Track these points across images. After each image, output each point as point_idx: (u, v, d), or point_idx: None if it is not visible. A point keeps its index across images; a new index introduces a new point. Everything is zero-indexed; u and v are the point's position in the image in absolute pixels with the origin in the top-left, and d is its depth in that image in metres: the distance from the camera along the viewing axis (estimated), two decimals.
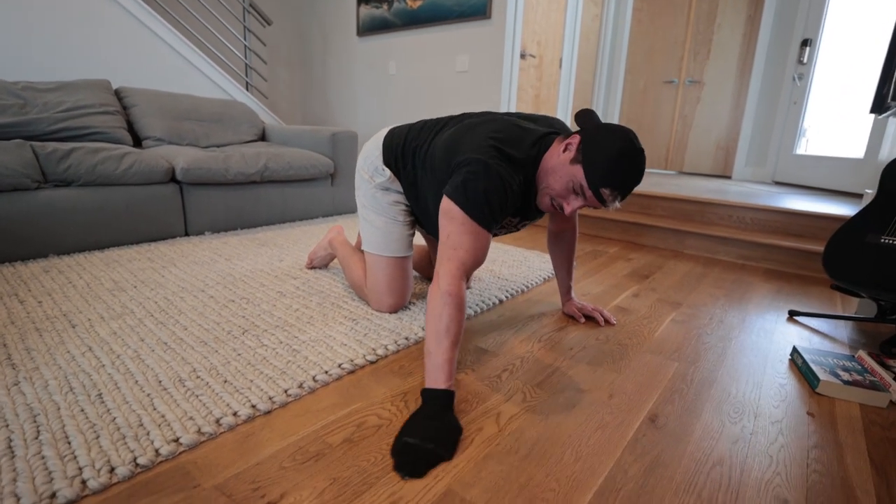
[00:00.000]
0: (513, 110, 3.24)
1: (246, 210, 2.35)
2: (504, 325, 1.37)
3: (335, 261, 1.83)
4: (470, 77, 3.27)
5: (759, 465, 0.83)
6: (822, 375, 1.09)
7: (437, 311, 0.93)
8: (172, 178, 2.10)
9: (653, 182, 3.18)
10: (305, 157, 2.53)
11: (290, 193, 2.52)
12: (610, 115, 4.45)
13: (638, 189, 2.70)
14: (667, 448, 0.86)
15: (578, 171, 0.99)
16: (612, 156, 0.96)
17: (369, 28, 3.73)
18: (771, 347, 1.32)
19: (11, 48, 2.39)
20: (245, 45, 3.53)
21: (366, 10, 3.72)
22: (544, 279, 1.79)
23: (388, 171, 1.30)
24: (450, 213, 1.00)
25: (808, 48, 3.29)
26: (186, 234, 2.17)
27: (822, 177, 3.16)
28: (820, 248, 2.04)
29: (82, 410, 0.86)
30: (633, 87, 4.33)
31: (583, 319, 1.41)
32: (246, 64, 3.53)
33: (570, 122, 3.88)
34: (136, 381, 0.96)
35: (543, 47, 3.60)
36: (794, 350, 1.24)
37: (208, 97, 2.94)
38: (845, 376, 1.10)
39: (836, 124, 3.15)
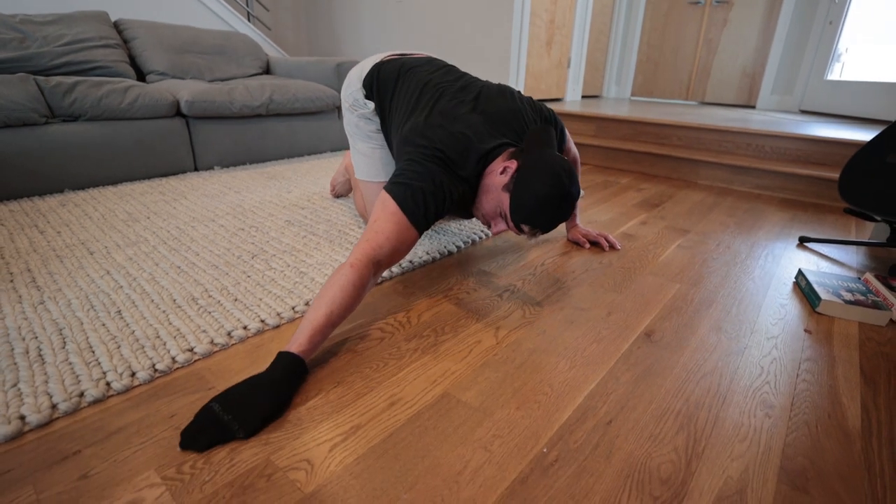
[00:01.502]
0: (525, 37, 3.09)
1: (254, 144, 2.34)
2: (508, 251, 1.38)
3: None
4: (480, 2, 3.10)
5: (749, 375, 0.85)
6: (824, 295, 1.10)
7: (331, 279, 0.84)
8: (178, 113, 2.09)
9: (669, 112, 3.06)
10: (311, 88, 2.47)
11: (297, 127, 2.49)
12: (630, 41, 4.21)
13: (652, 118, 2.60)
14: (660, 359, 0.89)
15: (506, 201, 0.98)
16: (538, 198, 0.94)
17: None
18: (777, 271, 1.31)
19: None
20: None
21: None
22: None
23: (371, 104, 1.26)
24: (384, 202, 0.95)
25: None
26: (196, 169, 2.18)
27: (854, 104, 2.99)
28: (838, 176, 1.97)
29: (104, 325, 0.91)
30: (656, 10, 4.05)
31: (587, 245, 1.41)
32: None
33: (585, 50, 3.68)
34: (153, 300, 1.01)
35: None
36: (800, 272, 1.23)
37: (208, 28, 2.85)
38: (848, 296, 1.10)
39: (874, 47, 2.94)
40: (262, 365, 0.83)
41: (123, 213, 1.57)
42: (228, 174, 2.13)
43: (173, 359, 0.82)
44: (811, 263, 1.38)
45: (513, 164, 0.99)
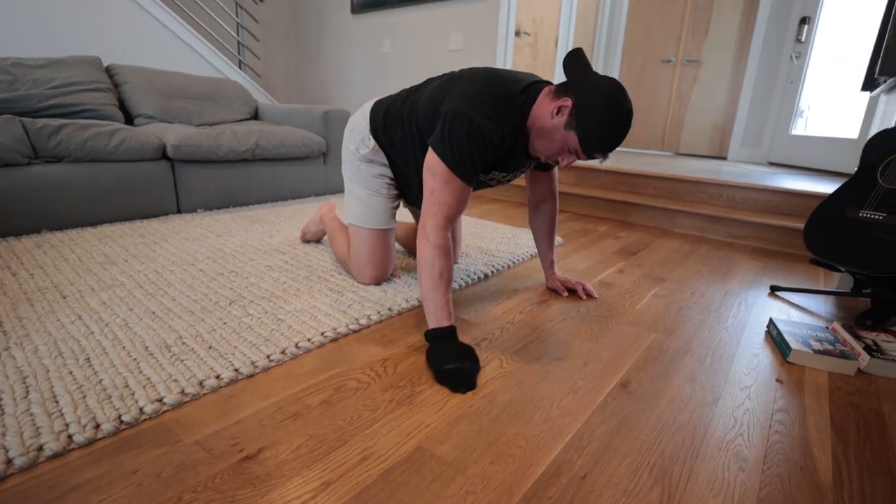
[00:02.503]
0: None
1: (238, 188, 2.36)
2: (487, 298, 1.39)
3: (326, 236, 1.86)
4: (464, 55, 3.25)
5: (723, 426, 0.86)
6: (794, 345, 1.12)
7: (430, 261, 1.04)
8: (164, 156, 2.11)
9: (646, 162, 3.18)
10: (297, 135, 2.53)
11: (282, 172, 2.52)
12: None
13: (629, 168, 2.70)
14: (635, 411, 0.89)
15: (573, 138, 1.05)
16: (605, 127, 1.01)
17: (364, 5, 3.69)
18: (750, 320, 1.34)
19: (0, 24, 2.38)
20: (237, 22, 3.49)
21: None
22: (531, 255, 1.81)
23: (372, 141, 1.32)
24: (433, 168, 1.08)
25: (806, 26, 3.25)
26: (179, 212, 2.18)
27: (816, 157, 3.15)
28: None
29: (70, 373, 0.89)
30: (631, 67, 4.29)
31: (565, 293, 1.44)
32: (238, 41, 3.50)
33: None
34: (124, 347, 0.99)
35: (539, 25, 3.57)
36: (771, 321, 1.27)
37: (200, 75, 2.92)
38: (817, 346, 1.13)
39: (832, 104, 3.14)
40: (233, 417, 0.81)
41: (101, 256, 1.55)
42: (211, 217, 2.13)
43: (141, 409, 0.80)
44: (782, 312, 1.42)
45: (567, 102, 1.04)
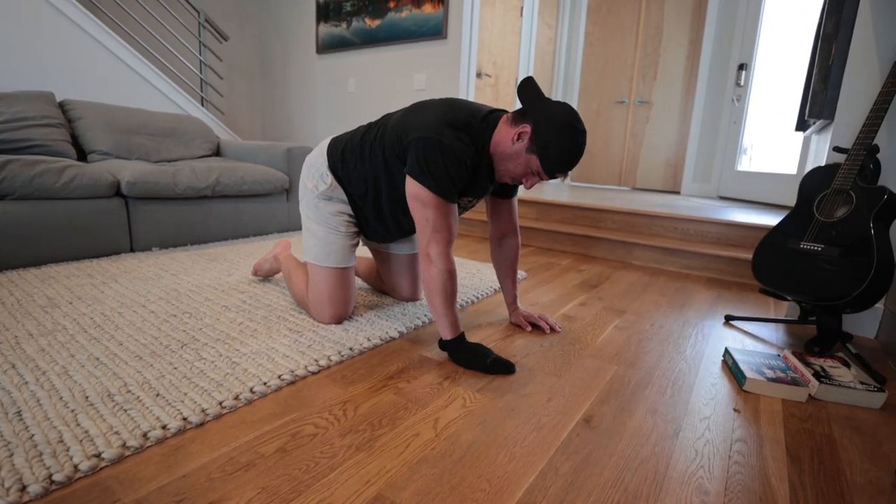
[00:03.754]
0: None
1: (196, 225, 2.29)
2: None
3: (280, 273, 1.82)
4: (427, 95, 3.33)
5: (684, 459, 0.86)
6: (748, 373, 1.15)
7: (441, 285, 1.15)
8: (118, 193, 2.04)
9: (604, 196, 3.30)
10: (259, 171, 2.50)
11: (243, 209, 2.48)
12: None
13: (589, 203, 2.79)
14: (598, 447, 0.89)
15: (535, 161, 1.14)
16: (564, 149, 1.11)
17: (329, 46, 3.76)
18: (707, 350, 1.38)
19: None
20: (200, 61, 3.49)
21: (325, 29, 3.75)
22: (495, 290, 1.82)
23: (330, 177, 1.33)
24: (420, 197, 1.14)
25: (744, 71, 3.51)
26: (132, 250, 2.10)
27: (761, 191, 3.35)
28: None
29: None
30: (588, 107, 4.50)
31: (529, 328, 1.44)
32: (201, 79, 3.49)
33: None
34: (61, 398, 0.92)
35: (499, 68, 3.71)
36: (726, 351, 1.30)
37: (161, 111, 2.88)
38: (770, 374, 1.17)
39: (772, 142, 3.37)
40: (179, 470, 0.76)
41: (43, 298, 1.46)
42: (167, 256, 2.06)
43: (75, 467, 0.74)
44: (736, 341, 1.46)
45: (526, 128, 1.12)
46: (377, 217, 1.35)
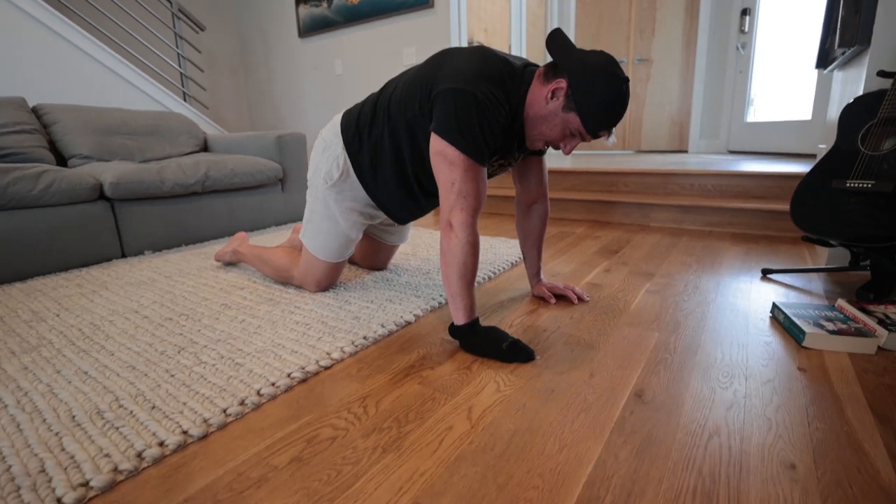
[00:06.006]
0: None
1: (189, 224, 2.17)
2: None
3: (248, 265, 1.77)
4: None
5: (758, 430, 0.75)
6: (806, 328, 1.04)
7: (462, 259, 0.99)
8: (102, 196, 1.92)
9: (612, 161, 3.16)
10: (250, 162, 2.37)
11: (237, 203, 2.35)
12: None
13: (599, 167, 2.66)
14: (657, 424, 0.77)
15: (574, 119, 0.99)
16: (606, 103, 0.96)
17: (311, 28, 3.59)
18: (750, 307, 1.26)
19: None
20: (178, 53, 3.33)
21: (305, 10, 3.57)
22: (511, 264, 1.70)
23: (343, 159, 1.25)
24: (447, 156, 0.98)
25: (747, 17, 3.33)
26: (123, 256, 1.98)
27: (773, 141, 3.20)
28: (782, 207, 2.03)
29: None
30: None
31: (553, 300, 1.32)
32: (181, 73, 3.33)
33: None
34: (44, 420, 0.81)
35: (491, 34, 3.54)
36: (775, 306, 1.18)
37: (141, 110, 2.74)
38: (830, 326, 1.05)
39: (781, 89, 3.20)
40: (180, 493, 0.65)
41: (27, 313, 1.35)
42: (160, 258, 1.94)
43: (59, 500, 0.63)
44: (780, 295, 1.34)
45: (561, 84, 0.97)
46: (400, 186, 1.22)
